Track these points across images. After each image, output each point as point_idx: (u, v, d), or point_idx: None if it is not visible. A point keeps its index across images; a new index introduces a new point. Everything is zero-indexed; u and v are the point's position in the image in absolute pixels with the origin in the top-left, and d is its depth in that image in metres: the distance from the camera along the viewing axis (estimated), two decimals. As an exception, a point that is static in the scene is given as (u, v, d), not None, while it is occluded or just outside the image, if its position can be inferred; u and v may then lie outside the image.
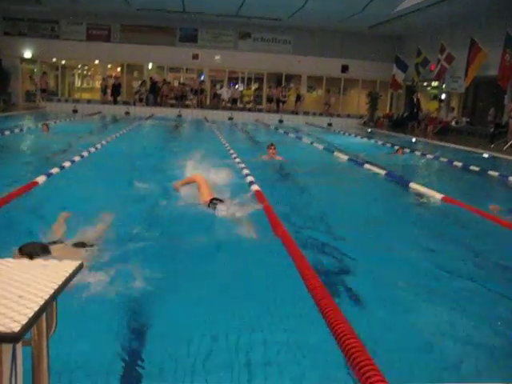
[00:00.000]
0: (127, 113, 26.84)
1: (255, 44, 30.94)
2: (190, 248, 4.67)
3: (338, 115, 30.97)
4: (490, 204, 7.27)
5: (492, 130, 19.86)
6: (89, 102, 30.02)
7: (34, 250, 3.56)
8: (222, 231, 5.16)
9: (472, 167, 11.87)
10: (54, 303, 1.73)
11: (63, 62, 31.60)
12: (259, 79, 32.86)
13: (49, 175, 7.72)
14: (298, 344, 3.08)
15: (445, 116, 24.72)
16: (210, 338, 3.07)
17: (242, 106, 31.48)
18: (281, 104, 30.62)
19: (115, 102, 28.84)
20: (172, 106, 29.36)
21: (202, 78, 31.47)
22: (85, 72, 34.35)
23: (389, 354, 2.98)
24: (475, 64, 21.46)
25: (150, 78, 29.74)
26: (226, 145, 13.61)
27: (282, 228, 5.20)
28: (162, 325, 3.29)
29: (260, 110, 30.90)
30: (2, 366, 1.42)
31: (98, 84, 32.08)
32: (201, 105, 30.06)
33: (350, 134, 21.80)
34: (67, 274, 1.70)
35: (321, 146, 15.26)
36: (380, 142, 18.35)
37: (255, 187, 7.52)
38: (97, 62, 31.97)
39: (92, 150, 11.21)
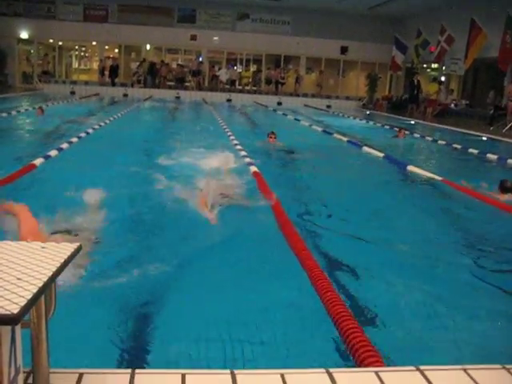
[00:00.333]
0: (125, 95, 26.67)
1: (254, 25, 30.65)
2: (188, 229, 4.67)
3: (337, 97, 30.82)
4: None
5: (491, 112, 19.79)
6: (86, 83, 29.80)
7: None
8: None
9: (471, 150, 11.85)
10: (53, 285, 1.73)
11: (60, 43, 31.30)
12: (258, 61, 32.62)
13: (46, 157, 7.70)
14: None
15: (444, 98, 24.60)
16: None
17: (240, 87, 31.28)
18: (279, 86, 30.43)
19: (113, 84, 28.64)
20: (170, 87, 29.17)
21: (201, 59, 31.23)
22: (82, 53, 34.06)
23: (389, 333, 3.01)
24: (475, 45, 21.30)
25: (144, 59, 29.52)
26: (225, 127, 13.54)
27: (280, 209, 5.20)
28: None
29: (259, 92, 30.73)
30: (2, 348, 1.43)
31: (95, 65, 31.81)
32: (199, 86, 29.87)
33: (348, 116, 21.71)
34: (65, 257, 1.70)
35: (319, 128, 15.21)
36: (379, 124, 18.29)
37: (253, 168, 7.51)
38: (94, 43, 31.67)
39: (90, 131, 11.17)
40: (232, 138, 11.33)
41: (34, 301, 1.43)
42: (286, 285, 3.60)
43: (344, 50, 31.24)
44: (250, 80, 32.06)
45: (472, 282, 4.03)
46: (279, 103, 27.33)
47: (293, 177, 8.25)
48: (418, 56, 26.52)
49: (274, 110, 22.56)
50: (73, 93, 25.79)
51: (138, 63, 29.90)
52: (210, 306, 3.21)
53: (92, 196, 5.19)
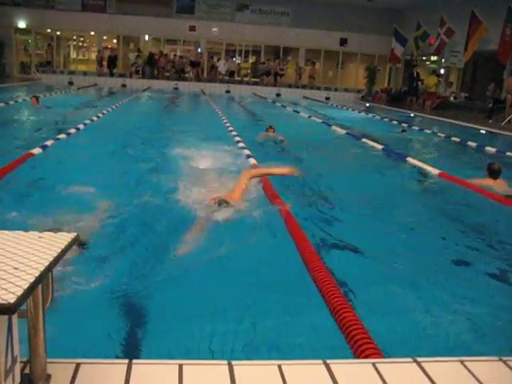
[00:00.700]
0: (124, 85, 26.58)
1: (253, 16, 30.50)
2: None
3: (336, 89, 30.74)
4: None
5: (490, 105, 19.77)
6: (85, 73, 29.67)
7: None
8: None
9: (470, 143, 11.85)
10: (50, 275, 1.72)
11: (58, 33, 31.12)
12: (257, 52, 32.50)
13: (43, 147, 7.68)
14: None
15: (443, 91, 24.56)
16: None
17: (239, 78, 31.18)
18: (278, 77, 30.32)
19: (111, 74, 28.53)
20: (169, 78, 29.06)
21: (199, 50, 31.09)
22: (80, 43, 33.87)
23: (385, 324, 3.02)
24: (475, 38, 21.25)
25: (138, 49, 29.42)
26: (223, 118, 13.51)
27: (280, 200, 5.20)
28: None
29: (257, 83, 30.63)
30: (-2, 337, 1.43)
31: (93, 56, 31.65)
32: (198, 77, 29.77)
33: (347, 108, 21.67)
34: (62, 246, 1.70)
35: (318, 120, 15.18)
36: (378, 117, 18.26)
37: (252, 160, 7.50)
38: (92, 33, 31.48)
39: (87, 122, 11.13)
40: (230, 128, 11.30)
41: (30, 290, 1.42)
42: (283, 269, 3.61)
43: (343, 41, 31.13)
44: (249, 71, 31.94)
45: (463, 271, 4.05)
46: (278, 95, 27.26)
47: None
48: (418, 48, 26.45)
49: (273, 102, 22.51)
50: (71, 83, 25.68)
51: (136, 54, 29.76)
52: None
53: (88, 187, 5.19)
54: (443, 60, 25.53)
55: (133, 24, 29.23)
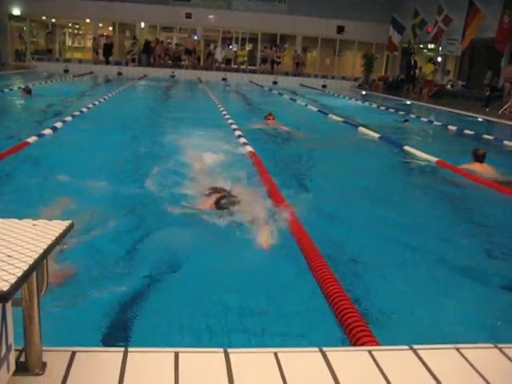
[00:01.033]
0: (119, 73, 26.42)
1: (250, 3, 30.27)
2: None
3: (333, 77, 30.63)
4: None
5: (488, 93, 19.73)
6: (80, 61, 29.48)
7: None
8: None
9: (466, 131, 11.84)
10: (45, 263, 1.71)
11: (53, 20, 30.86)
12: (253, 40, 32.31)
13: (39, 136, 7.63)
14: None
15: (440, 79, 24.50)
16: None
17: (236, 66, 31.03)
18: (275, 65, 30.18)
19: (107, 62, 28.34)
20: (165, 66, 28.89)
21: (196, 38, 30.88)
22: (76, 31, 33.60)
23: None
24: (473, 25, 21.14)
25: (134, 37, 29.23)
26: (220, 106, 13.46)
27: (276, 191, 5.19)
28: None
29: (254, 71, 30.49)
30: (-8, 326, 1.42)
31: (89, 43, 31.41)
32: (194, 65, 29.60)
33: (344, 97, 21.61)
34: (57, 234, 1.68)
35: (315, 108, 15.13)
36: (375, 105, 18.21)
37: (248, 148, 7.48)
38: (88, 20, 31.23)
39: (84, 110, 11.06)
40: (227, 116, 11.26)
41: (24, 278, 1.41)
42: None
43: (340, 29, 30.96)
44: (246, 59, 31.78)
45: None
46: (275, 83, 27.15)
47: (288, 155, 8.22)
48: (415, 36, 26.32)
49: (270, 90, 22.43)
50: (66, 71, 25.51)
51: (132, 41, 29.57)
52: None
53: (84, 175, 5.17)
54: (440, 48, 25.43)
55: (129, 11, 29.00)
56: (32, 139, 7.27)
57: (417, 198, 6.23)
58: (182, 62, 29.67)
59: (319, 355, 1.93)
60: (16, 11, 28.94)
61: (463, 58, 25.05)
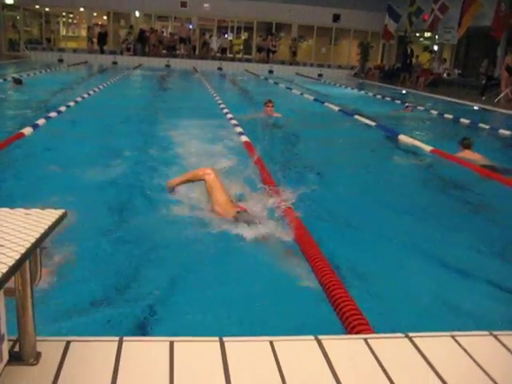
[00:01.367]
0: (114, 62, 26.25)
1: (245, -9, 30.06)
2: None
3: (329, 66, 30.52)
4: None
5: (484, 82, 19.69)
6: (75, 51, 29.25)
7: None
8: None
9: (462, 120, 11.83)
10: (38, 252, 1.70)
11: (47, 9, 30.56)
12: (249, 28, 32.11)
13: (34, 126, 7.58)
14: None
15: (436, 68, 24.44)
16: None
17: (231, 55, 30.86)
18: (271, 54, 30.02)
19: (102, 52, 28.14)
20: (160, 55, 28.71)
21: (191, 26, 30.66)
22: (70, 20, 33.31)
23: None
24: (469, 13, 21.06)
25: (131, 26, 29.03)
26: (216, 96, 13.40)
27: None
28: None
29: (249, 60, 30.34)
30: (-16, 315, 1.40)
31: (83, 33, 31.17)
32: (189, 55, 29.42)
33: (340, 85, 21.54)
34: (50, 223, 1.67)
35: (311, 97, 15.09)
36: (370, 94, 18.17)
37: (244, 138, 7.45)
38: (82, 9, 30.95)
39: (79, 100, 10.99)
40: (222, 106, 11.21)
41: (16, 268, 1.39)
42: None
43: (336, 17, 30.78)
44: (241, 48, 31.58)
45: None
46: (271, 72, 27.03)
47: (284, 145, 8.20)
48: (411, 24, 26.21)
49: (266, 79, 22.34)
50: (61, 60, 25.33)
51: (127, 30, 29.34)
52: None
53: (78, 165, 5.14)
54: (437, 36, 25.34)
55: (123, 0, 28.75)
56: (26, 130, 7.21)
57: (411, 186, 6.23)
58: (177, 52, 29.48)
59: (315, 343, 1.93)
60: (9, 0, 28.64)
61: (459, 46, 25.00)
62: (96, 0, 28.78)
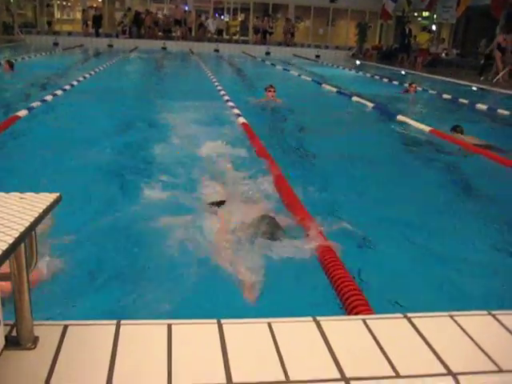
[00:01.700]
0: (110, 45, 26.03)
1: (241, -28, 29.72)
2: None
3: (327, 47, 30.30)
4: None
5: (482, 62, 19.55)
6: (70, 34, 28.99)
7: None
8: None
9: (461, 100, 11.78)
10: (34, 236, 1.68)
11: (41, -9, 30.25)
12: (245, 10, 31.79)
13: (29, 109, 7.53)
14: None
15: (435, 48, 24.26)
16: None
17: (228, 37, 30.60)
18: (268, 35, 29.77)
19: (97, 35, 27.89)
20: (156, 38, 28.44)
21: (187, 8, 30.33)
22: (64, 3, 32.92)
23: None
24: (468, -8, 20.88)
25: (129, 9, 28.74)
26: (213, 78, 13.30)
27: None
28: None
29: (246, 42, 30.08)
30: (-21, 300, 1.39)
31: (78, 16, 30.87)
32: (186, 37, 29.16)
33: (338, 66, 21.41)
34: (44, 207, 1.65)
35: (309, 79, 14.99)
36: (368, 75, 18.05)
37: (241, 119, 7.42)
38: (76, -9, 30.64)
39: (75, 83, 10.91)
40: (219, 88, 11.13)
41: (10, 252, 1.37)
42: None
43: (334, -3, 30.51)
44: (238, 29, 31.30)
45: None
46: (267, 53, 26.83)
47: (283, 127, 8.17)
48: (410, 4, 25.96)
49: (263, 61, 22.18)
50: (56, 44, 25.11)
51: (123, 13, 29.04)
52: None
53: (74, 149, 5.12)
54: (435, 16, 25.13)
55: (118, -19, 28.46)
56: (22, 113, 7.16)
57: (410, 166, 6.23)
58: (173, 34, 29.20)
59: (313, 325, 1.92)
60: (2, -18, 28.33)
61: (458, 25, 24.80)
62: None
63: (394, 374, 1.67)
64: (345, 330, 1.94)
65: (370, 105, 10.22)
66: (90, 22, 28.31)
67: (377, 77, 17.16)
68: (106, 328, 1.84)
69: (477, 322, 2.04)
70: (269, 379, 1.61)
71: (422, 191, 5.09)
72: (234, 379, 1.60)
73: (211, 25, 29.24)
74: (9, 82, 12.16)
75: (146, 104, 9.17)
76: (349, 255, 3.13)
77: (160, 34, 28.97)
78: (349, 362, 1.72)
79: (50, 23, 28.93)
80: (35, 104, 7.92)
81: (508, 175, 5.70)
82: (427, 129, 7.81)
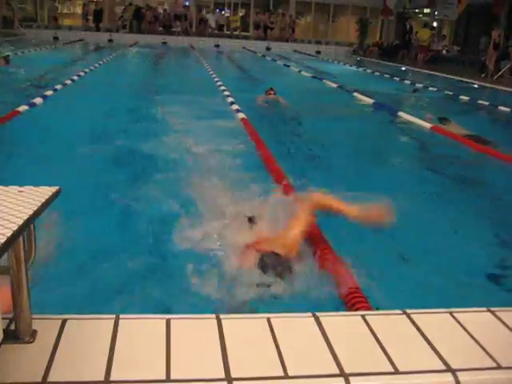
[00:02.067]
0: (110, 40, 25.95)
1: (242, -33, 29.62)
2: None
3: (327, 43, 30.23)
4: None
5: (483, 59, 19.52)
6: (70, 28, 28.92)
7: None
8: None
9: (462, 96, 11.77)
10: (33, 230, 1.67)
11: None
12: (246, 5, 31.69)
13: (31, 105, 7.51)
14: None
15: (436, 44, 24.22)
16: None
17: (229, 32, 30.52)
18: (268, 31, 29.68)
19: (97, 29, 27.82)
20: (157, 33, 28.35)
21: (187, 3, 30.23)
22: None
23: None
24: (469, -11, 20.85)
25: (130, 3, 28.65)
26: (213, 73, 13.27)
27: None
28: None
29: (247, 37, 30.01)
30: (-23, 294, 1.39)
31: (79, 10, 30.78)
32: (186, 32, 29.07)
33: (338, 62, 21.37)
34: (43, 200, 1.64)
35: (309, 74, 14.96)
36: (369, 71, 18.02)
37: (241, 115, 7.41)
38: (77, -15, 30.54)
39: (75, 78, 10.88)
40: (219, 83, 11.11)
41: (8, 245, 1.37)
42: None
43: (335, -7, 30.44)
44: (239, 24, 31.21)
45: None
46: (268, 49, 26.77)
47: (284, 123, 8.16)
48: (411, 0, 25.91)
49: (263, 56, 22.14)
50: (56, 38, 25.04)
51: (123, 7, 28.96)
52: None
53: (74, 144, 5.11)
54: (436, 12, 25.07)
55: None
56: (23, 108, 7.15)
57: (410, 162, 6.23)
58: (173, 29, 29.12)
59: (312, 320, 1.92)
60: (2, -24, 28.21)
61: (459, 22, 24.74)
62: (91, -24, 28.36)
63: (393, 370, 1.67)
64: (344, 326, 1.93)
65: (371, 101, 10.20)
66: (90, 17, 28.27)
67: (377, 73, 17.13)
68: (105, 322, 1.84)
69: (476, 318, 2.04)
70: (268, 374, 1.61)
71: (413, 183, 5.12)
72: (233, 374, 1.59)
73: (211, 20, 29.14)
74: (6, 76, 12.12)
75: (147, 98, 9.15)
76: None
77: (160, 28, 28.88)
78: (348, 357, 1.72)
79: (55, 18, 28.89)
80: (36, 100, 7.90)
81: (493, 163, 5.75)
82: (428, 126, 7.80)
